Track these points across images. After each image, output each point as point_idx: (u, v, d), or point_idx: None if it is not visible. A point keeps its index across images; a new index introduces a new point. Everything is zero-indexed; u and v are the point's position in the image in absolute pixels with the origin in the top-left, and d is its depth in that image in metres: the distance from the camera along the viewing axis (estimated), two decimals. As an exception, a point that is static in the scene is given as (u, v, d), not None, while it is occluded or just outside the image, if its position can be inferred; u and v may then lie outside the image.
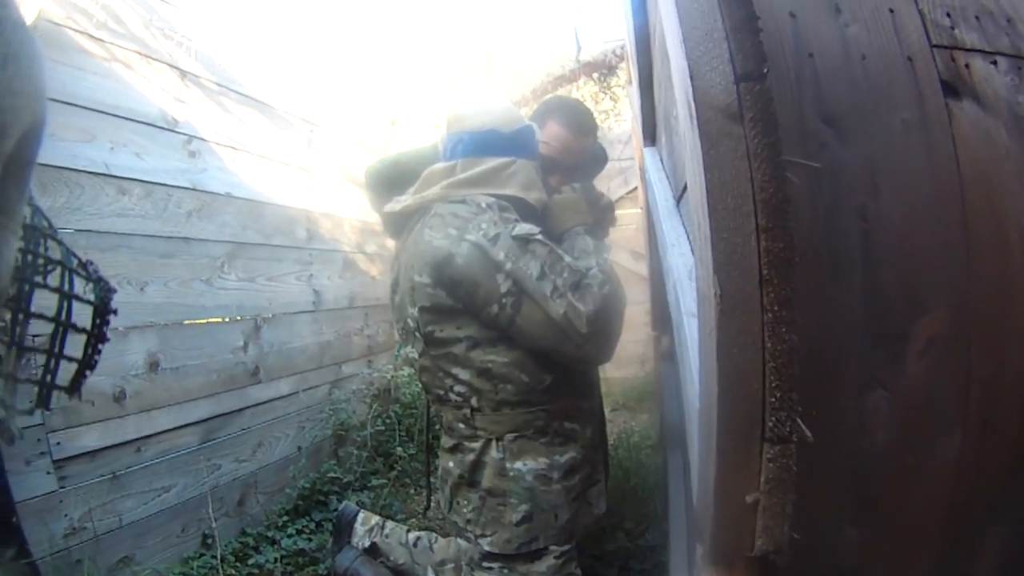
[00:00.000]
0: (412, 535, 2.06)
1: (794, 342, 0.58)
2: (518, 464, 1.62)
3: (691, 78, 0.61)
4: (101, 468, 2.05)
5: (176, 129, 2.43)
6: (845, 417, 0.74)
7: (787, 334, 0.58)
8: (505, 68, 6.42)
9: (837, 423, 0.74)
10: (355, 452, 3.17)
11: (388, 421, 3.48)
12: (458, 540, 1.79)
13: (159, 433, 2.27)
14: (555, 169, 1.79)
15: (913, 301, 0.74)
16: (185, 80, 2.51)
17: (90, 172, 2.05)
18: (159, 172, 2.33)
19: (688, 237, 1.30)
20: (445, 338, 1.60)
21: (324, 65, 3.66)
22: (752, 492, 0.61)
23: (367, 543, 2.09)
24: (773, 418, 0.59)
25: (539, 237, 1.52)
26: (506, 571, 1.64)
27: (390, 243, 3.09)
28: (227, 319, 2.68)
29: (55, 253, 1.51)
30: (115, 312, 1.62)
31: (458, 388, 1.63)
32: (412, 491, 3.13)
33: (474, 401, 1.62)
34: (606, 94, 5.94)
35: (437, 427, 1.93)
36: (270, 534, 2.61)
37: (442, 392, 1.67)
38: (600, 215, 1.84)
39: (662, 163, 2.04)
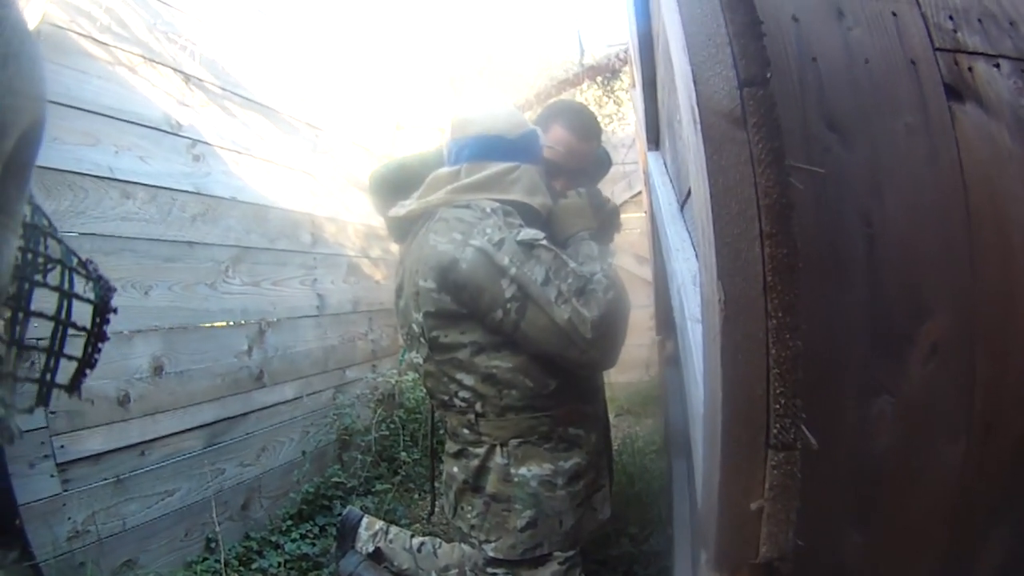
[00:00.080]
0: (416, 540, 2.06)
1: (798, 348, 0.58)
2: (522, 469, 1.61)
3: (694, 83, 0.61)
4: (105, 472, 2.05)
5: (180, 133, 2.44)
6: (849, 421, 0.74)
7: (791, 340, 0.58)
8: (508, 72, 6.43)
9: (841, 428, 0.74)
10: (359, 457, 3.17)
11: (392, 426, 3.47)
12: (462, 545, 1.78)
13: (163, 437, 2.27)
14: (559, 173, 1.79)
15: (917, 305, 0.74)
16: (189, 84, 2.52)
17: (94, 176, 2.05)
18: (163, 176, 2.34)
19: (692, 242, 1.30)
20: (449, 343, 1.60)
21: (328, 69, 3.67)
22: (756, 499, 0.61)
23: (371, 548, 2.08)
24: (777, 425, 0.59)
25: (544, 242, 1.52)
26: (510, 576, 1.64)
27: (394, 247, 3.09)
28: (231, 323, 2.68)
29: (55, 252, 1.51)
30: (115, 311, 1.62)
31: (462, 393, 1.63)
32: (416, 496, 3.13)
33: (478, 406, 1.62)
34: (610, 98, 5.94)
35: (441, 432, 1.92)
36: (274, 538, 2.60)
37: (446, 397, 1.67)
38: (605, 220, 1.84)
39: (666, 167, 2.04)
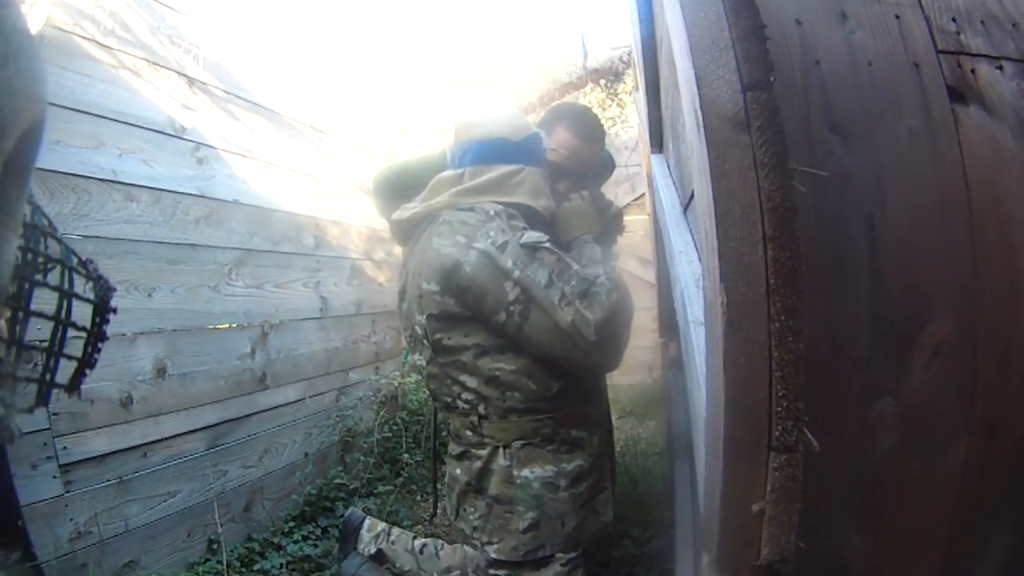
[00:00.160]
0: (418, 542, 2.06)
1: (801, 351, 0.58)
2: (525, 471, 1.61)
3: (698, 87, 0.61)
4: (107, 473, 2.05)
5: (184, 136, 2.45)
6: (851, 424, 0.74)
7: (794, 343, 0.58)
8: (512, 75, 6.43)
9: (843, 430, 0.74)
10: (362, 458, 3.17)
11: (395, 428, 3.47)
12: (464, 547, 1.78)
13: (166, 438, 2.27)
14: (563, 176, 1.79)
15: (919, 308, 0.74)
16: (193, 87, 2.53)
17: (98, 179, 2.06)
18: (167, 179, 2.34)
19: (695, 245, 1.30)
20: (453, 345, 1.60)
21: (332, 72, 3.68)
22: (758, 501, 0.61)
23: (373, 549, 2.08)
24: (779, 427, 0.59)
25: (547, 245, 1.52)
26: (512, 578, 1.64)
27: (397, 250, 3.10)
28: (234, 325, 2.68)
29: (55, 251, 1.52)
30: (115, 310, 1.62)
31: (465, 395, 1.63)
32: (419, 498, 3.13)
33: (481, 408, 1.62)
34: (613, 100, 5.93)
35: (444, 434, 1.92)
36: (276, 540, 2.61)
37: (449, 399, 1.67)
38: (608, 222, 1.84)
39: (669, 170, 2.04)
